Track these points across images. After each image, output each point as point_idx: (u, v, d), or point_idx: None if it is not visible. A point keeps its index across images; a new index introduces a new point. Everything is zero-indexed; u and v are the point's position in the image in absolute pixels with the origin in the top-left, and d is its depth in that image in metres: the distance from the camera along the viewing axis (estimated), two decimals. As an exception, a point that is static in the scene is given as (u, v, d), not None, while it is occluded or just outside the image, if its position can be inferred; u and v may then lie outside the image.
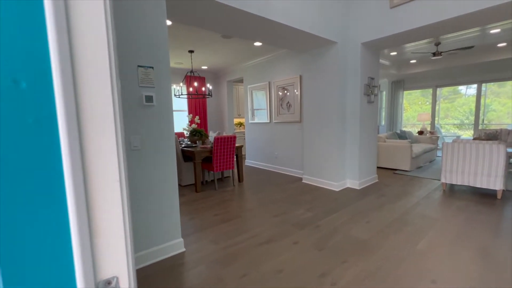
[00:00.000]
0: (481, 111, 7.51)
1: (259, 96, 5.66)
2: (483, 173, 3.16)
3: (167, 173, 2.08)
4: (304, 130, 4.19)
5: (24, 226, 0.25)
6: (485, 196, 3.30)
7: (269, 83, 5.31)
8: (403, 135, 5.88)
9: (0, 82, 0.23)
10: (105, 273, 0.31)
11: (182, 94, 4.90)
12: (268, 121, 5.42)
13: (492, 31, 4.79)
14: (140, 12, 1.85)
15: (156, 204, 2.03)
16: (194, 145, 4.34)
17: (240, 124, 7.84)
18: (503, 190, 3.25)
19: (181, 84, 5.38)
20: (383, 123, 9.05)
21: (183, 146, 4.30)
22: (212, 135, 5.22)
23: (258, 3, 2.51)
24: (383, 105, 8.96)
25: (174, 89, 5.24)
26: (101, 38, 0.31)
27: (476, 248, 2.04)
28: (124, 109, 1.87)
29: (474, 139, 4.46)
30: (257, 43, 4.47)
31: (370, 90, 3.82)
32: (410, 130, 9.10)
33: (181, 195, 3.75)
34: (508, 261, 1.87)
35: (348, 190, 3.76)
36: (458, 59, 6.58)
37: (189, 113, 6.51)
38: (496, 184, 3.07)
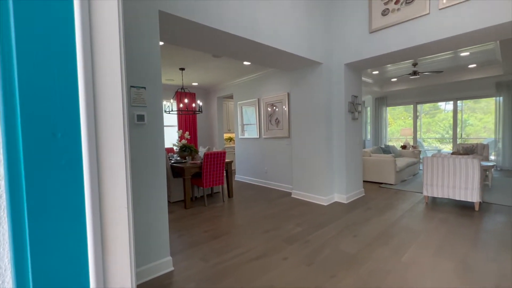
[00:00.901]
0: (458, 126, 7.94)
1: (248, 112, 5.79)
2: (461, 186, 3.33)
3: (157, 190, 2.09)
4: (292, 145, 4.30)
5: (54, 246, 0.32)
6: (464, 208, 3.46)
7: (258, 99, 5.47)
8: (387, 150, 6.11)
9: (43, 135, 0.29)
10: (114, 285, 0.36)
11: (172, 110, 4.96)
12: (258, 137, 5.53)
13: (462, 54, 5.21)
14: (134, 34, 1.95)
15: (145, 222, 2.03)
16: (183, 160, 4.35)
17: (230, 139, 7.92)
18: (480, 202, 3.43)
19: (171, 100, 5.45)
20: (368, 137, 9.37)
21: (172, 162, 4.30)
22: (202, 151, 5.25)
23: (247, 27, 2.68)
24: (368, 120, 9.32)
25: (165, 105, 5.29)
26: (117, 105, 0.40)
27: (457, 260, 2.14)
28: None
29: (452, 153, 4.71)
30: (247, 63, 4.65)
31: (354, 107, 4.02)
32: (394, 144, 9.45)
33: (170, 211, 3.70)
34: (488, 272, 1.97)
35: (336, 204, 3.84)
36: (434, 78, 7.04)
37: (179, 129, 6.54)
38: (473, 196, 3.25)
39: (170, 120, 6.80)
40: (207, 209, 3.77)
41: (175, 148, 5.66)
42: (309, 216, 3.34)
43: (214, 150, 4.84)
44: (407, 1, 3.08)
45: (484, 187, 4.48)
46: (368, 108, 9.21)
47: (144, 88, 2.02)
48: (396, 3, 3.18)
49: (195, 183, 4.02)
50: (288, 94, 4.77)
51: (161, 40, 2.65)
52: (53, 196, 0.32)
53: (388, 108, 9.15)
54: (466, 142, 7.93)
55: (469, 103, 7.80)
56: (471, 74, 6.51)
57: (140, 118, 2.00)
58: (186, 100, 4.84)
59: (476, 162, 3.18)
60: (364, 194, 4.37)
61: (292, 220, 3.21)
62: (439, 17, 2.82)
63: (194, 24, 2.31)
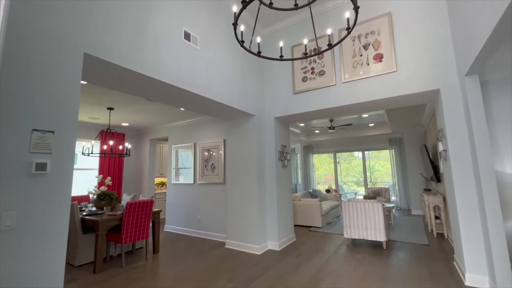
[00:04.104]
0: (368, 171, 9.47)
1: (184, 155, 5.60)
2: (371, 227, 3.84)
3: (53, 253, 1.68)
4: (227, 192, 4.27)
5: None
6: (375, 247, 3.93)
7: (195, 144, 5.42)
8: (314, 194, 6.69)
9: None
10: None
11: (92, 153, 4.37)
12: (193, 182, 5.30)
13: (364, 115, 6.56)
14: (40, 67, 1.75)
15: (27, 303, 1.55)
16: (100, 211, 3.72)
17: (162, 184, 7.32)
18: (386, 241, 3.98)
19: (92, 141, 4.84)
20: (299, 182, 10.14)
21: (84, 213, 3.62)
22: (126, 199, 4.64)
23: (184, 78, 2.77)
24: (299, 166, 10.21)
25: (84, 147, 4.65)
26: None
27: (371, 301, 2.33)
28: None
29: (364, 197, 5.48)
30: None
31: (283, 156, 4.39)
32: (320, 188, 10.45)
33: (72, 280, 2.96)
34: (393, 309, 2.19)
35: (269, 252, 3.81)
36: (347, 132, 8.50)
37: (100, 173, 5.71)
38: (381, 236, 3.76)
39: (90, 163, 5.92)
40: (123, 272, 3.18)
41: (91, 196, 4.84)
42: (241, 268, 3.18)
43: (141, 198, 4.36)
44: (320, 73, 3.81)
45: (389, 226, 5.27)
46: (298, 155, 10.18)
47: (52, 132, 1.76)
48: (312, 73, 3.90)
49: (112, 239, 3.42)
50: (224, 141, 4.90)
51: (89, 82, 2.46)
52: None
53: (315, 155, 10.33)
54: (375, 186, 9.42)
55: (374, 152, 9.55)
56: (371, 131, 8.14)
57: (41, 167, 1.68)
58: (111, 142, 4.38)
59: (379, 205, 3.78)
60: (295, 239, 4.51)
61: (223, 275, 2.99)
62: (342, 88, 3.56)
63: (128, 71, 2.26)
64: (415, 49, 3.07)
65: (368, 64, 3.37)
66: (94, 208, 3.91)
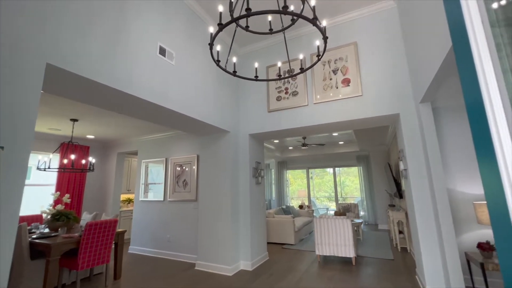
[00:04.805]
0: (339, 187, 9.82)
1: (154, 171, 5.35)
2: (341, 244, 3.93)
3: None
4: (199, 209, 4.12)
5: None
6: (345, 263, 4.01)
7: (166, 159, 5.22)
8: (287, 210, 6.73)
9: None
10: None
11: (49, 168, 3.99)
12: (163, 199, 5.04)
13: (334, 134, 6.90)
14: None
15: None
16: (54, 234, 3.35)
17: (129, 200, 6.86)
18: (355, 257, 4.09)
19: (51, 155, 4.44)
20: (274, 197, 10.16)
21: (34, 236, 3.22)
22: (86, 218, 4.25)
23: (158, 93, 2.71)
24: (273, 181, 10.28)
25: (39, 160, 4.23)
26: None
27: (341, 320, 2.33)
28: None
29: (335, 213, 5.63)
30: (156, 122, 4.53)
31: (257, 172, 4.40)
32: (293, 204, 10.55)
33: (12, 315, 2.56)
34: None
35: (241, 273, 3.69)
36: (318, 149, 8.83)
37: (56, 190, 5.19)
38: (350, 252, 3.86)
39: (47, 178, 5.38)
40: (78, 302, 2.84)
41: (44, 216, 4.35)
42: (212, 292, 3.03)
43: (104, 217, 4.02)
44: (293, 93, 3.98)
45: (358, 241, 5.44)
46: (272, 170, 10.28)
47: (2, 148, 1.59)
48: (286, 93, 4.06)
49: (66, 265, 3.07)
50: (198, 156, 4.80)
51: (53, 93, 2.28)
52: None
53: (289, 171, 10.51)
54: (345, 201, 9.77)
55: (344, 169, 9.99)
56: (341, 149, 8.56)
57: (-16, 186, 1.49)
58: (73, 156, 4.04)
59: (348, 222, 3.91)
60: (268, 258, 4.44)
61: (192, 301, 2.81)
62: (314, 109, 3.74)
63: (97, 85, 2.15)
64: (378, 76, 3.37)
65: (337, 88, 3.61)
66: (47, 230, 3.51)
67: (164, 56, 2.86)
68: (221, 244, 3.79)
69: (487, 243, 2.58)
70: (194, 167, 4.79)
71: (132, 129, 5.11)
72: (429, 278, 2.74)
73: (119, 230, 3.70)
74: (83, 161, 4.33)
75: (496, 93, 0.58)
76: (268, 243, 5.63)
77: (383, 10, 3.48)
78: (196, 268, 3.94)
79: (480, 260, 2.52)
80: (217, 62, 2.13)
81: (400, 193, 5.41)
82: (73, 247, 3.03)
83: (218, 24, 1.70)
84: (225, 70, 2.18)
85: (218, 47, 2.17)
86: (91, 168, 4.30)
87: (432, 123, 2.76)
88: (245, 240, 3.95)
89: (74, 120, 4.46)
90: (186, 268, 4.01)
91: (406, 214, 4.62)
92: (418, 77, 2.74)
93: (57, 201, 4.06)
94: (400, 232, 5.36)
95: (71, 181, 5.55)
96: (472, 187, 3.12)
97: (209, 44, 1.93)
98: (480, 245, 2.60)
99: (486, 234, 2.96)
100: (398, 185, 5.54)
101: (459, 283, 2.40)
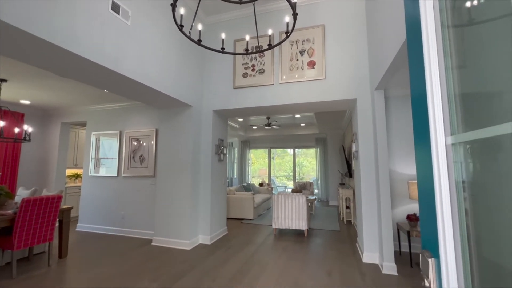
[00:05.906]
0: (297, 167, 10.37)
1: (106, 144, 4.91)
2: (296, 218, 4.24)
3: None
4: (157, 185, 3.97)
5: None
6: (298, 235, 4.37)
7: (121, 132, 4.82)
8: (248, 188, 6.92)
9: None
10: None
11: (-30, 135, 3.35)
12: (116, 175, 4.71)
13: (297, 116, 7.12)
14: None
15: None
16: (-20, 211, 2.91)
17: (77, 176, 6.26)
18: (308, 229, 4.47)
19: (-28, 120, 3.72)
20: (235, 176, 10.31)
21: (-46, 214, 2.76)
22: (22, 194, 3.77)
23: (110, 57, 2.40)
24: (236, 160, 10.36)
25: (-44, 126, 3.52)
26: None
27: (292, 282, 2.58)
28: None
29: (292, 190, 5.97)
30: (108, 90, 4.08)
31: (220, 150, 4.36)
32: (254, 182, 10.88)
33: None
34: (309, 289, 2.48)
35: (200, 247, 3.76)
36: (281, 130, 9.07)
37: (-18, 161, 4.44)
38: (303, 225, 4.20)
39: (-34, 147, 4.53)
40: (15, 283, 2.59)
41: (-33, 190, 3.73)
42: (168, 266, 3.04)
43: (45, 192, 3.62)
44: (260, 71, 3.93)
45: (311, 215, 5.94)
46: (235, 149, 10.32)
47: None
48: (252, 70, 3.98)
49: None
50: (157, 130, 4.53)
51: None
52: None
53: (252, 150, 10.66)
54: (302, 180, 10.41)
55: (303, 150, 10.51)
56: (302, 130, 8.93)
57: None
58: (2, 123, 3.43)
59: (304, 198, 4.20)
60: (227, 232, 4.58)
61: (147, 274, 2.79)
62: (279, 89, 3.76)
63: (31, 37, 1.80)
64: (341, 62, 3.50)
65: (303, 69, 3.66)
66: (-30, 207, 3.03)
67: (118, 14, 2.51)
68: (180, 220, 3.77)
69: (414, 214, 3.05)
70: (152, 141, 4.52)
71: (79, 96, 4.53)
72: (367, 245, 3.16)
73: (65, 206, 3.39)
74: (17, 130, 3.73)
75: (438, 87, 0.65)
76: (228, 218, 5.78)
77: (351, -5, 3.54)
78: (153, 244, 3.88)
79: (407, 229, 2.98)
80: (181, 27, 1.95)
81: (350, 173, 5.96)
82: (5, 225, 2.69)
83: (182, -17, 1.53)
84: (188, 37, 2.02)
85: (181, 10, 1.98)
86: (27, 138, 3.75)
87: (383, 108, 3.02)
88: (205, 215, 3.98)
89: (2, 81, 3.75)
90: (142, 244, 3.92)
91: (354, 191, 5.14)
92: (376, 66, 2.92)
93: (-17, 175, 3.49)
94: (347, 207, 5.98)
95: (2, 152, 4.79)
96: (408, 168, 3.58)
97: (171, 4, 1.74)
98: (408, 217, 3.06)
99: (414, 207, 3.49)
100: (349, 165, 6.08)
101: (390, 248, 2.82)
